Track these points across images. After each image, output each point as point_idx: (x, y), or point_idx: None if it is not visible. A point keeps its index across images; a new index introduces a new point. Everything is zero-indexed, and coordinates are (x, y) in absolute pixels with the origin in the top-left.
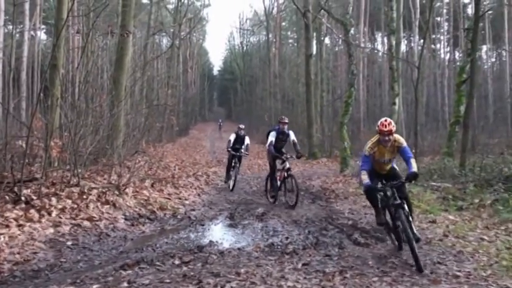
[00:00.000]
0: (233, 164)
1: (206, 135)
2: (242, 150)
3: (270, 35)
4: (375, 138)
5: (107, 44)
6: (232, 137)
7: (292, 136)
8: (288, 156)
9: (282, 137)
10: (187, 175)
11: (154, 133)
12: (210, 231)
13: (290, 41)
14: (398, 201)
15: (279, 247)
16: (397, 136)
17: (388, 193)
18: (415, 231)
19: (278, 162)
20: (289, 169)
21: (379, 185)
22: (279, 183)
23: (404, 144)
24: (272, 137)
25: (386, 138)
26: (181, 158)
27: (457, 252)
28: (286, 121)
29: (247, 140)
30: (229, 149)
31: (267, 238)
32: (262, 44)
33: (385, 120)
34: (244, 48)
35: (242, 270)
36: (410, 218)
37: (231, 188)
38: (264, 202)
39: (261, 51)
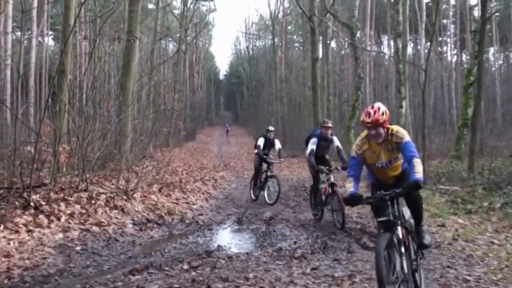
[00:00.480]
0: (263, 170)
1: (213, 140)
2: (271, 157)
3: (276, 39)
4: (363, 134)
5: (114, 49)
6: (261, 141)
7: (337, 142)
8: (332, 169)
9: (324, 143)
10: (194, 180)
11: (162, 138)
12: (218, 235)
13: (296, 44)
14: (391, 218)
15: (287, 252)
16: (395, 128)
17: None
18: (426, 238)
19: (323, 174)
20: (333, 184)
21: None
22: (323, 197)
23: (406, 138)
24: (313, 145)
25: (373, 132)
26: (188, 163)
27: (466, 256)
28: (330, 125)
29: (278, 144)
30: (260, 153)
31: (275, 242)
32: (268, 48)
33: (371, 107)
34: (251, 52)
35: (251, 275)
36: (422, 227)
37: (269, 201)
38: (272, 206)
39: (267, 55)
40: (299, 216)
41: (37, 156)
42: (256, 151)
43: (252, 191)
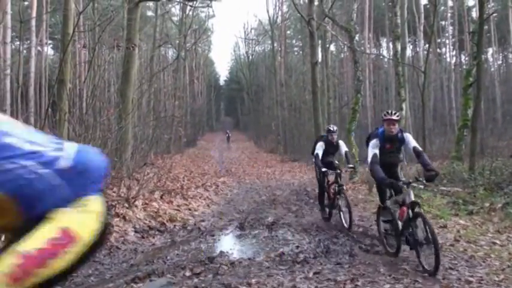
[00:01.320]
0: (330, 183)
1: (214, 146)
2: (337, 162)
3: (275, 44)
4: None
5: (113, 57)
6: (320, 146)
7: (344, 147)
8: (340, 171)
9: (330, 149)
10: (196, 186)
11: (163, 145)
12: (221, 241)
13: (295, 49)
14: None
15: (289, 256)
16: None
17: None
18: None
19: (330, 176)
20: (341, 186)
21: None
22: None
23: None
24: (319, 149)
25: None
26: (189, 169)
27: (468, 257)
28: (333, 130)
29: (344, 147)
30: (319, 165)
31: (277, 247)
32: (267, 53)
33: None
34: (250, 57)
35: (253, 281)
36: None
37: (345, 224)
38: (274, 211)
39: (267, 60)
40: (301, 220)
41: None
42: (314, 161)
43: (321, 210)
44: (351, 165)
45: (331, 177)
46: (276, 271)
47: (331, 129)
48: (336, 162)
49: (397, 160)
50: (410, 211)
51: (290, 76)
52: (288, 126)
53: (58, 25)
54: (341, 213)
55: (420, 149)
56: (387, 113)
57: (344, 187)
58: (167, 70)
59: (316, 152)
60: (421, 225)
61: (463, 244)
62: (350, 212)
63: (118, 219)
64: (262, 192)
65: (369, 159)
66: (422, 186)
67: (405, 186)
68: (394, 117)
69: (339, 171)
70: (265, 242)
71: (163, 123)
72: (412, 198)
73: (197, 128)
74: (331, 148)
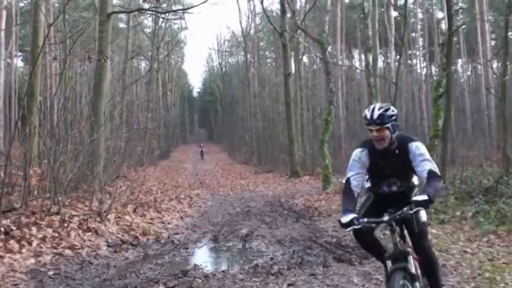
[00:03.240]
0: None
1: (188, 157)
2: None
3: (248, 56)
4: None
5: (85, 69)
6: (358, 165)
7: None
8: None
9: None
10: (169, 198)
11: (136, 157)
12: (194, 254)
13: (268, 60)
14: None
15: (263, 268)
16: None
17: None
18: None
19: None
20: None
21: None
22: None
23: None
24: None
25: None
26: (163, 182)
27: (440, 266)
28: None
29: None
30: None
31: (251, 259)
32: (240, 65)
33: None
34: (223, 69)
35: None
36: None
37: None
38: (248, 223)
39: (240, 71)
40: (275, 232)
41: (7, 179)
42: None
43: None
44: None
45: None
46: (250, 283)
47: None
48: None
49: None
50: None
51: (263, 87)
52: (261, 137)
53: (28, 37)
54: None
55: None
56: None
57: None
58: (140, 82)
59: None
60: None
61: (435, 253)
62: None
63: (90, 233)
64: (236, 204)
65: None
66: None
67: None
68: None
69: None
70: (239, 254)
71: (136, 135)
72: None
73: (171, 140)
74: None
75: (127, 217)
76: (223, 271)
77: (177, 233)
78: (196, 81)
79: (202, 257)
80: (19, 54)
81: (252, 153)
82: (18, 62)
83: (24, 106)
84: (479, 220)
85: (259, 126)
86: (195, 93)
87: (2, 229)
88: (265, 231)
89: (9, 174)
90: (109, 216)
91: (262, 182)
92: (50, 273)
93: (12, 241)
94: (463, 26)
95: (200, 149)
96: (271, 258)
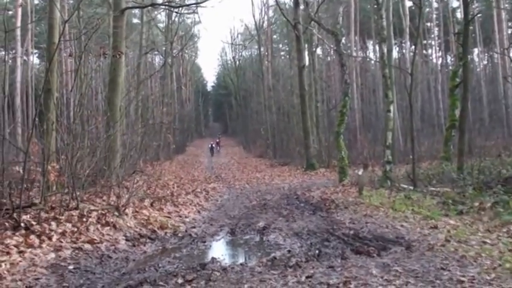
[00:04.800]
0: None
1: (203, 152)
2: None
3: (262, 49)
4: None
5: (100, 65)
6: None
7: None
8: None
9: None
10: (186, 192)
11: (152, 152)
12: (212, 247)
13: (282, 53)
14: None
15: (281, 261)
16: None
17: None
18: None
19: None
20: None
21: None
22: None
23: None
24: None
25: None
26: (179, 176)
27: (460, 257)
28: None
29: None
30: None
31: (268, 252)
32: (254, 58)
33: None
34: (237, 62)
35: (246, 286)
36: None
37: None
38: (264, 216)
39: (254, 64)
40: (292, 224)
41: (26, 175)
42: None
43: None
44: None
45: None
46: (269, 276)
47: None
48: None
49: None
50: None
51: (278, 80)
52: (276, 130)
53: (43, 34)
54: None
55: None
56: None
57: None
58: (154, 77)
59: None
60: None
61: (453, 244)
62: None
63: (108, 227)
64: (253, 197)
65: None
66: (412, 187)
67: None
68: None
69: None
70: (256, 247)
71: (151, 130)
72: None
73: (186, 134)
74: None
75: (144, 211)
76: (241, 264)
77: (194, 227)
78: (210, 76)
79: (219, 250)
80: (35, 51)
81: (267, 146)
82: (34, 59)
83: (41, 103)
84: (498, 210)
85: (274, 119)
86: (209, 88)
87: (23, 224)
88: (282, 224)
89: (28, 170)
90: (127, 210)
91: (278, 175)
92: (70, 267)
93: (32, 236)
94: (479, 15)
95: (216, 140)
96: (289, 251)
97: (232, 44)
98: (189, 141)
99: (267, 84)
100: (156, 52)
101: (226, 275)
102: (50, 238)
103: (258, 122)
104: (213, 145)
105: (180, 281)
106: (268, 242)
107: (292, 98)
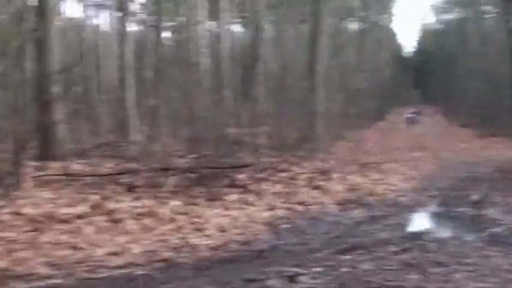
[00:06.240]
0: None
1: (403, 120)
2: None
3: (467, 11)
4: None
5: (300, 32)
6: None
7: None
8: None
9: None
10: (389, 160)
11: (352, 119)
12: (422, 218)
13: (488, 16)
14: None
15: (503, 237)
16: None
17: None
18: None
19: None
20: None
21: None
22: None
23: None
24: None
25: None
26: (380, 143)
27: None
28: None
29: None
30: None
31: (484, 227)
32: (458, 21)
33: None
34: (439, 27)
35: (468, 261)
36: None
37: None
38: (476, 189)
39: (457, 28)
40: (509, 200)
41: (239, 138)
42: None
43: None
44: None
45: None
46: (490, 253)
47: None
48: None
49: None
50: None
51: (484, 44)
52: (484, 98)
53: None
54: None
55: None
56: None
57: None
58: (352, 43)
59: None
60: None
61: None
62: None
63: (316, 191)
64: (460, 168)
65: None
66: None
67: None
68: None
69: None
70: (471, 221)
71: (351, 96)
72: None
73: (384, 101)
74: None
75: (350, 177)
76: (457, 237)
77: (402, 195)
78: (408, 41)
79: (430, 221)
80: (238, 20)
81: (473, 115)
82: (238, 28)
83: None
84: None
85: (480, 86)
86: (408, 54)
87: (238, 183)
88: (498, 199)
89: (240, 134)
90: (333, 175)
91: (486, 147)
92: (284, 226)
93: (248, 194)
94: None
95: (410, 113)
96: (509, 228)
97: (433, 6)
98: (388, 108)
99: (472, 48)
100: (351, 18)
101: (443, 248)
102: (263, 197)
103: (461, 89)
104: (412, 114)
105: (393, 249)
106: (483, 217)
107: (503, 64)
